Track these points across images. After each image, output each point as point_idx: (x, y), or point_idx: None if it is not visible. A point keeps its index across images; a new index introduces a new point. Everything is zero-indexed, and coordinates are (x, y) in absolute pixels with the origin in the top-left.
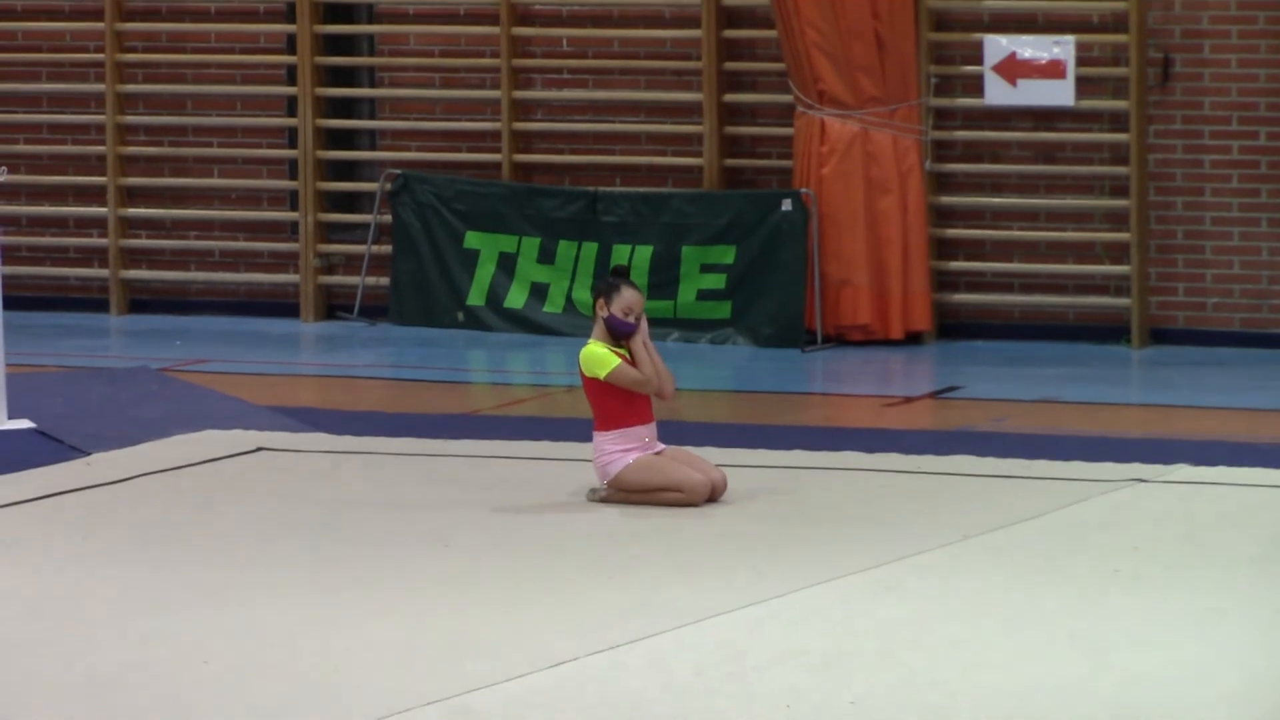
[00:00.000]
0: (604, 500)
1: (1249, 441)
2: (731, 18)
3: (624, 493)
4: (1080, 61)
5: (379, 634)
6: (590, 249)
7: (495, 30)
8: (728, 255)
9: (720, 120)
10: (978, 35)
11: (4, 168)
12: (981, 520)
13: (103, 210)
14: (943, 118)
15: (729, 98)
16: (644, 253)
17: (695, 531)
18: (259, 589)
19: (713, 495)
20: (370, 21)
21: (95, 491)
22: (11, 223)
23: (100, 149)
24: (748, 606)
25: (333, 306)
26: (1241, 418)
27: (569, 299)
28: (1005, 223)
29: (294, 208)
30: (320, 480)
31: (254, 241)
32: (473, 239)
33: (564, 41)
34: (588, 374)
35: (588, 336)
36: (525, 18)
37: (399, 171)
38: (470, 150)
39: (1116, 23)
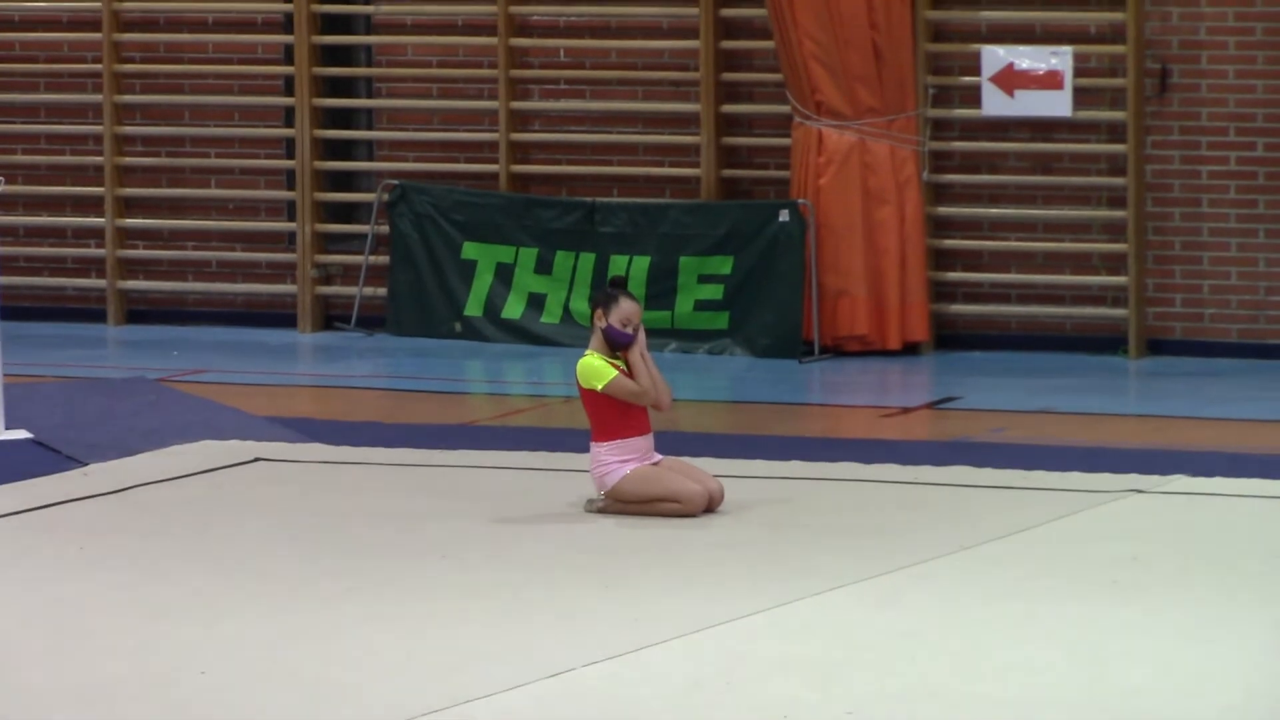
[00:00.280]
0: (601, 511)
1: (1246, 452)
2: (729, 29)
3: (621, 503)
4: (1078, 72)
5: (377, 644)
6: (588, 259)
7: (493, 41)
8: (725, 266)
9: (718, 131)
10: (975, 46)
11: (2, 178)
12: (979, 531)
13: (100, 221)
14: (940, 128)
15: (726, 108)
16: (641, 263)
17: (692, 542)
18: (256, 599)
19: (710, 506)
20: (368, 32)
21: (92, 502)
22: (9, 233)
23: (98, 159)
24: (745, 617)
25: (330, 317)
26: (1239, 428)
27: (566, 309)
28: (1003, 233)
29: (291, 218)
30: (318, 491)
31: (251, 252)
32: (470, 249)
33: (561, 52)
34: (585, 385)
35: (585, 347)
36: (523, 29)
37: (396, 182)
38: (468, 161)
39: (1114, 34)
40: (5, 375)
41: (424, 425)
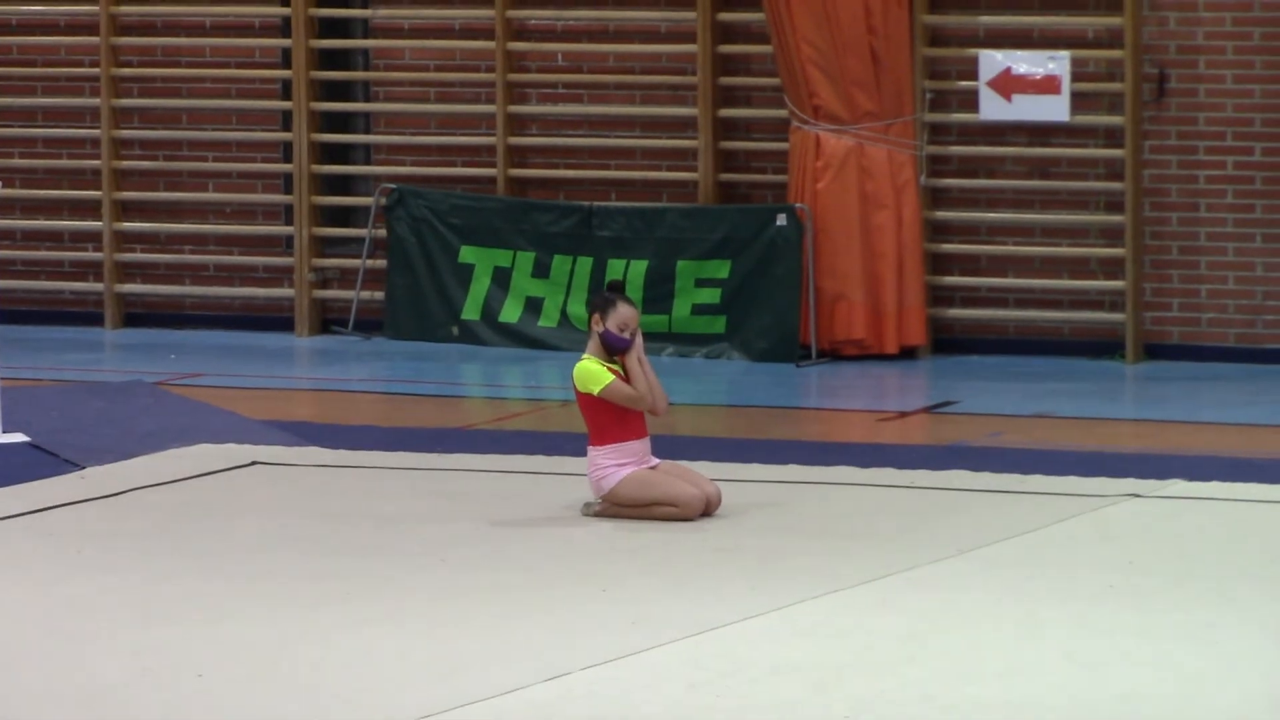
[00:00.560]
0: (598, 515)
1: (1244, 457)
2: (727, 33)
3: (618, 507)
4: (1075, 77)
5: (374, 647)
6: (585, 264)
7: (490, 45)
8: (722, 270)
9: (715, 135)
10: (973, 50)
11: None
12: (976, 535)
13: (98, 224)
14: (938, 133)
15: (724, 113)
16: (639, 267)
17: (689, 546)
18: (253, 602)
19: (707, 510)
20: (365, 36)
21: (89, 505)
22: (6, 237)
23: (95, 163)
24: (742, 620)
25: (327, 321)
26: (1236, 433)
27: (564, 313)
28: (1000, 238)
29: (289, 222)
30: (315, 494)
31: (249, 256)
32: (467, 253)
33: (559, 56)
34: (581, 389)
35: (582, 351)
36: (520, 33)
37: (394, 186)
38: (465, 165)
39: (1111, 38)
40: (3, 379)
41: (421, 429)
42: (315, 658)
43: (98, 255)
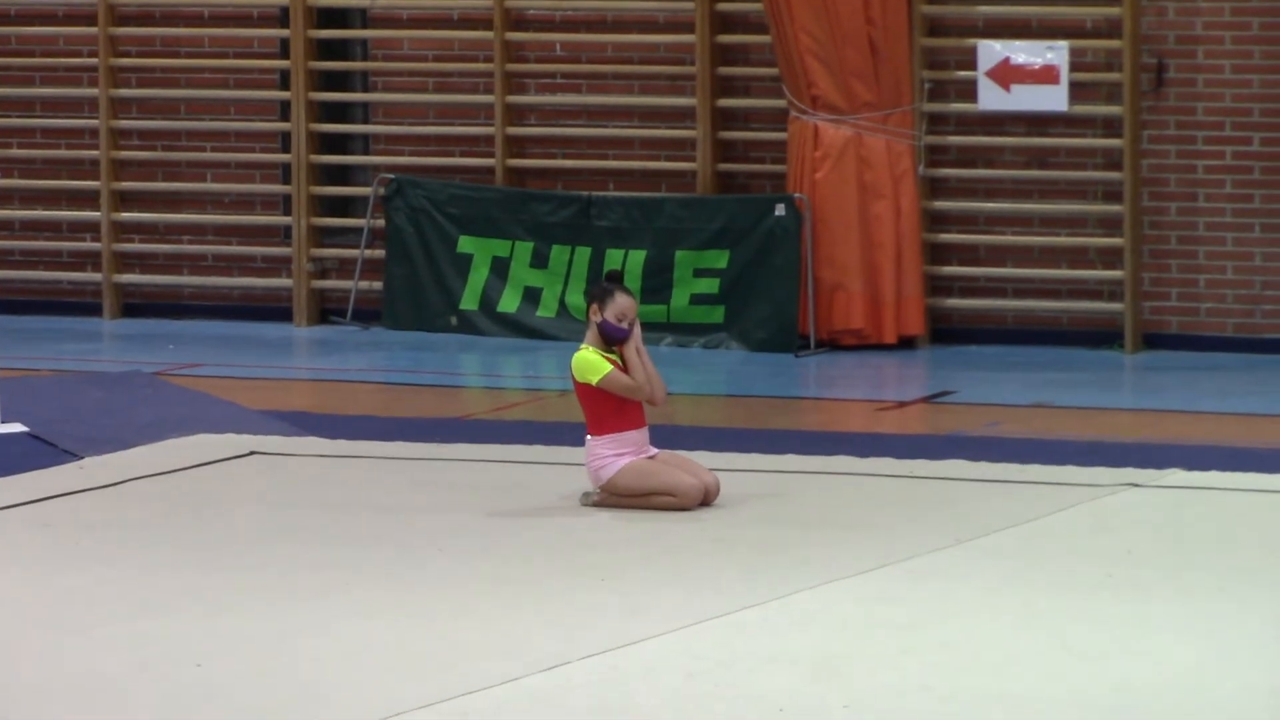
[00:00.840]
0: (597, 504)
1: (1242, 446)
2: (725, 23)
3: (617, 497)
4: (1074, 67)
5: (372, 638)
6: (583, 253)
7: (489, 35)
8: (721, 260)
9: (714, 125)
10: (971, 40)
11: None
12: (975, 525)
13: (96, 214)
14: (936, 123)
15: (722, 103)
16: (637, 257)
17: (688, 536)
18: (252, 592)
19: (706, 500)
20: (363, 26)
21: (88, 495)
22: (5, 227)
23: (94, 153)
24: (741, 610)
25: (326, 311)
26: (1235, 423)
27: (562, 303)
28: (998, 228)
29: (287, 212)
30: (313, 484)
31: (247, 246)
32: (466, 243)
33: (557, 46)
34: (580, 379)
35: (580, 341)
36: (519, 23)
37: (392, 176)
38: (463, 155)
39: (1110, 28)
40: (1, 369)
41: (419, 419)
42: (314, 648)
43: (96, 245)
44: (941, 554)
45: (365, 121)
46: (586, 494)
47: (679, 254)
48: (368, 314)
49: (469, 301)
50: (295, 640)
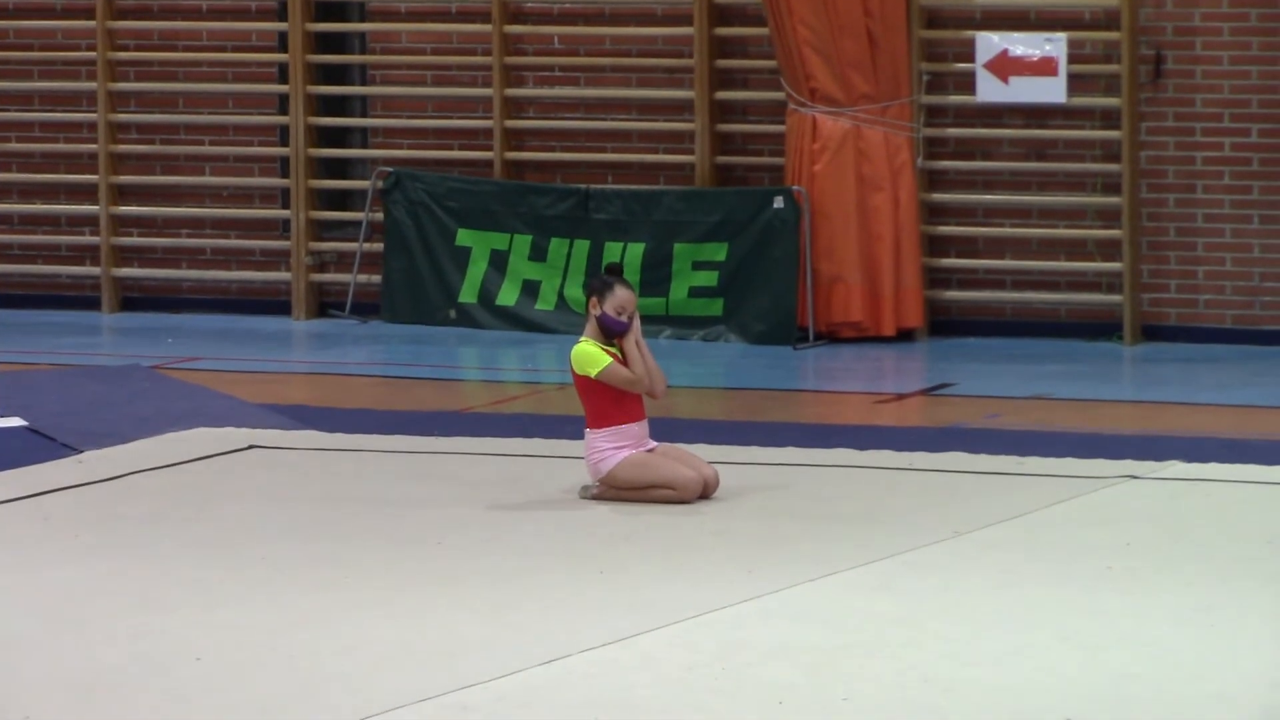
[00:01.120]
0: (596, 498)
1: (1241, 438)
2: (723, 15)
3: (616, 490)
4: (1072, 58)
5: (371, 631)
6: (582, 246)
7: (487, 28)
8: (719, 253)
9: (712, 118)
10: (969, 32)
11: None
12: (973, 517)
13: (94, 208)
14: (934, 115)
15: (721, 95)
16: (636, 250)
17: (687, 529)
18: (251, 586)
19: (705, 492)
20: (362, 19)
21: (87, 489)
22: (3, 220)
23: (92, 147)
24: (740, 603)
25: (324, 304)
26: (1233, 414)
27: (561, 296)
28: (997, 219)
29: (286, 205)
30: (312, 477)
31: (246, 239)
32: (464, 236)
33: (556, 39)
34: (579, 372)
35: (579, 334)
36: (517, 15)
37: (391, 169)
38: (462, 148)
39: (1108, 20)
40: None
41: (418, 412)
42: (313, 642)
43: (94, 239)
44: (941, 546)
45: (364, 115)
46: (585, 487)
47: (677, 247)
48: (366, 307)
49: (468, 295)
50: (294, 633)
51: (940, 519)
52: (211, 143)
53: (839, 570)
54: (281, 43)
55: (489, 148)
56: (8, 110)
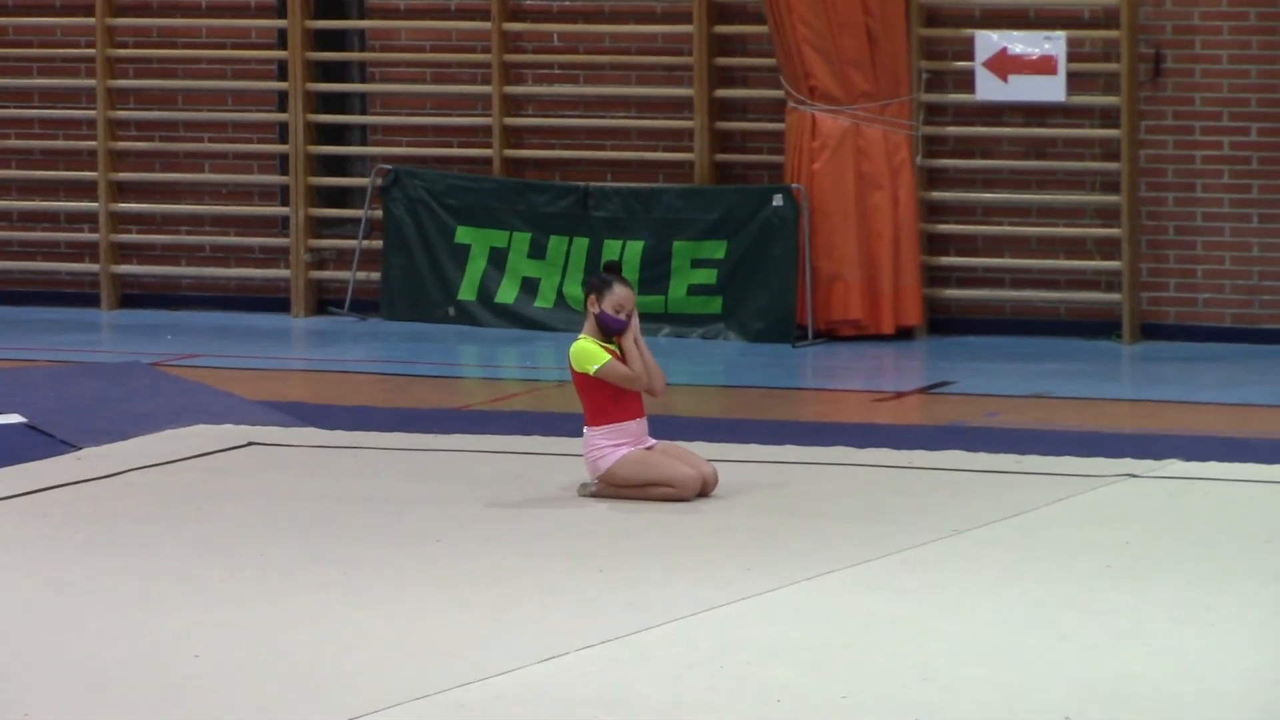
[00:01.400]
0: (595, 495)
1: (1240, 437)
2: (722, 13)
3: (615, 488)
4: (1071, 57)
5: (370, 628)
6: (581, 244)
7: (486, 26)
8: (719, 250)
9: (711, 115)
10: (969, 31)
11: None
12: (973, 515)
13: (93, 205)
14: (934, 113)
15: (720, 93)
16: (635, 248)
17: (686, 526)
18: (249, 583)
19: (703, 490)
20: (361, 17)
21: (85, 486)
22: (2, 218)
23: (91, 144)
24: (739, 601)
25: (323, 301)
26: (1233, 413)
27: (560, 294)
28: (996, 218)
29: (285, 203)
30: (311, 475)
31: (245, 236)
32: (464, 234)
33: (555, 37)
34: (578, 369)
35: (578, 331)
36: (516, 13)
37: (390, 167)
38: (461, 145)
39: (1108, 18)
40: None
41: (417, 410)
42: (312, 639)
43: (93, 236)
44: (939, 544)
45: (363, 112)
46: (584, 485)
47: (677, 244)
48: (365, 305)
49: (467, 292)
50: (293, 631)
51: (939, 517)
52: (211, 140)
53: (838, 568)
54: (281, 40)
55: (488, 145)
56: (7, 107)
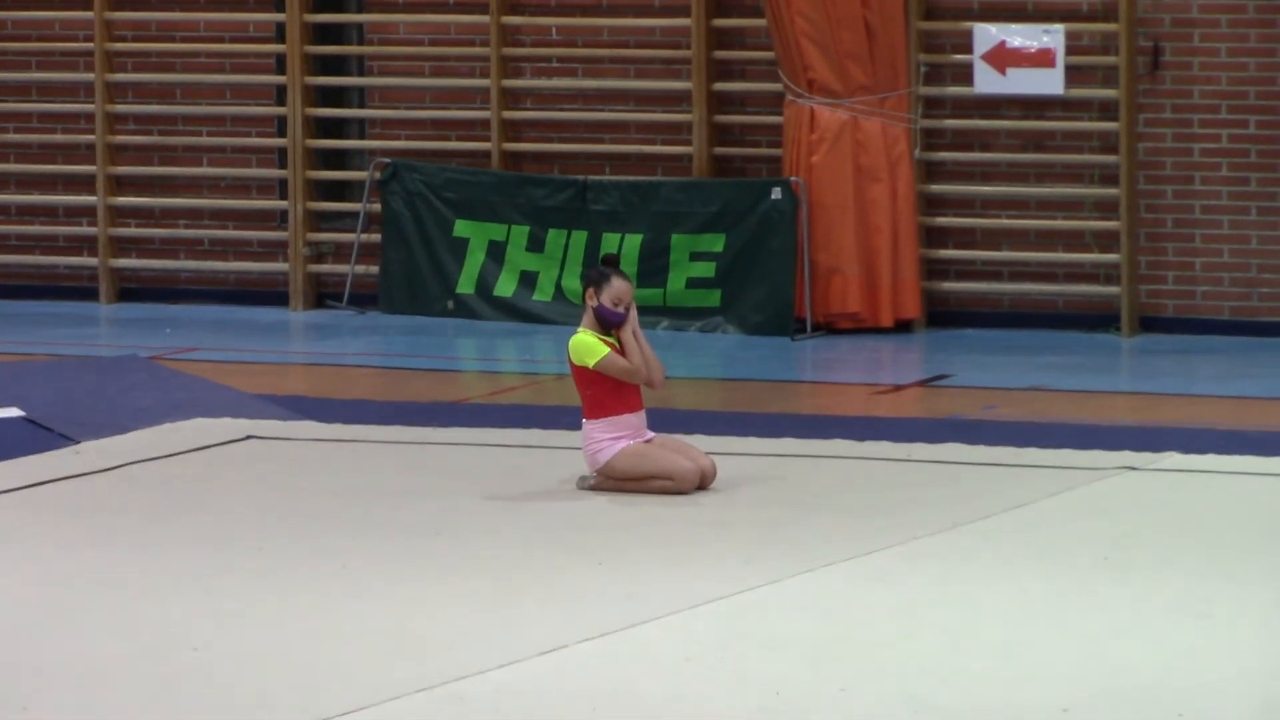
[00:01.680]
0: (593, 488)
1: (1238, 429)
2: (721, 6)
3: (613, 480)
4: (1070, 50)
5: (369, 621)
6: (580, 237)
7: (485, 19)
8: (717, 244)
9: (710, 109)
10: (967, 24)
11: None
12: (971, 508)
13: (92, 199)
14: (932, 106)
15: (718, 86)
16: (633, 241)
17: (685, 519)
18: (248, 576)
19: (702, 483)
20: (359, 10)
21: (84, 480)
22: (1, 211)
23: (90, 137)
24: (737, 594)
25: (322, 295)
26: (1231, 406)
27: (558, 287)
28: (995, 211)
29: (283, 196)
30: (310, 468)
31: (243, 230)
32: (462, 227)
33: (553, 30)
34: (576, 362)
35: (577, 325)
36: (515, 6)
37: (388, 160)
38: (460, 139)
39: (1106, 11)
40: None
41: (416, 403)
42: (311, 632)
43: (92, 230)
44: (938, 537)
45: (361, 106)
46: (583, 478)
47: (675, 238)
48: (364, 298)
49: (465, 285)
50: (292, 624)
51: (938, 510)
52: (209, 134)
53: (836, 561)
54: (279, 33)
55: (487, 139)
56: (5, 101)
